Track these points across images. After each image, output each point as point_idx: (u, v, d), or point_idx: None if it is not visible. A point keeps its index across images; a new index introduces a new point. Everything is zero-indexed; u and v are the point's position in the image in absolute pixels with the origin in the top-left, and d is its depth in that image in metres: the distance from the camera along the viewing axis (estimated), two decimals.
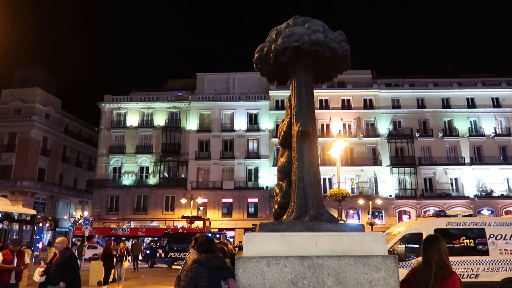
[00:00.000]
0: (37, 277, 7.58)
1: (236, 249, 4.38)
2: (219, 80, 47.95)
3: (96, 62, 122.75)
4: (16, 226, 18.80)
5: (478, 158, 41.85)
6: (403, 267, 10.43)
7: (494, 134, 42.15)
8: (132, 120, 45.16)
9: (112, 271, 15.20)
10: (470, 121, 43.09)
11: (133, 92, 48.19)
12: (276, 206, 4.56)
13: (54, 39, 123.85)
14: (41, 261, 8.39)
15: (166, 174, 43.83)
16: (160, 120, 45.13)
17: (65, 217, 47.09)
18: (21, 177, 41.78)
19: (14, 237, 15.13)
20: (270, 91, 44.47)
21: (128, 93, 48.29)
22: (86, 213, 48.02)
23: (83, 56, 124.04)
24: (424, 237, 11.70)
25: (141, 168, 44.06)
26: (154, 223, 38.84)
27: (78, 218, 40.64)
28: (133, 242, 26.58)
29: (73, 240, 30.09)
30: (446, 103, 44.06)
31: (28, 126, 43.43)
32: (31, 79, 48.15)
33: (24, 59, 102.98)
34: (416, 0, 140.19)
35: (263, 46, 4.62)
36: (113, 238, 27.71)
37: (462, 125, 42.76)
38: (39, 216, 24.28)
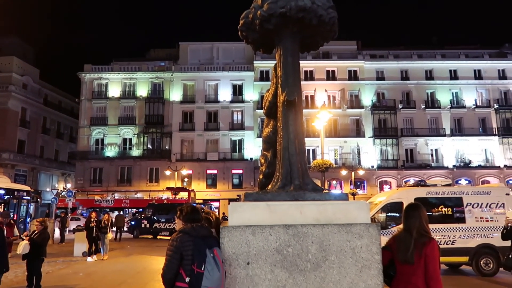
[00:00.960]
0: (20, 249, 7.78)
1: (222, 220, 4.40)
2: (203, 50, 47.01)
3: (76, 30, 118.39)
4: (15, 201, 20.44)
5: (458, 130, 42.77)
6: (384, 234, 10.73)
7: (475, 106, 42.94)
8: (114, 91, 44.20)
9: (99, 242, 15.28)
10: (452, 93, 43.71)
11: (114, 62, 46.92)
12: (261, 176, 4.56)
13: (30, 5, 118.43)
14: (22, 236, 8.46)
15: (150, 146, 43.51)
16: (142, 91, 44.29)
17: (48, 189, 46.60)
18: (0, 149, 40.83)
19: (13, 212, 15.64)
20: (254, 62, 43.93)
21: (109, 62, 46.99)
22: (69, 185, 47.62)
23: (61, 24, 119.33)
24: (404, 206, 11.99)
25: (124, 140, 43.58)
26: (139, 195, 38.85)
27: (61, 190, 40.26)
28: (117, 214, 27.08)
29: (57, 212, 29.91)
30: (429, 75, 44.44)
31: (5, 96, 42.04)
32: (7, 48, 46.21)
33: None
34: None
35: (248, 12, 4.47)
36: (97, 209, 27.68)
37: (444, 97, 43.36)
38: (32, 191, 25.54)
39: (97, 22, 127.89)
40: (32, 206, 25.40)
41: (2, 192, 20.95)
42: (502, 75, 44.22)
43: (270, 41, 4.63)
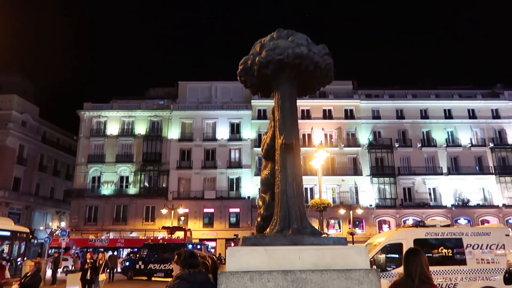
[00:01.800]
0: None
1: (219, 262, 4.30)
2: (201, 89, 47.87)
3: (76, 68, 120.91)
4: (16, 242, 23.72)
5: (455, 168, 42.88)
6: (384, 277, 10.52)
7: (470, 145, 43.32)
8: (112, 129, 44.49)
9: (92, 285, 14.82)
10: (448, 132, 44.22)
11: (114, 100, 47.54)
12: (259, 219, 4.54)
13: (32, 45, 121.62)
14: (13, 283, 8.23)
15: (146, 184, 43.22)
16: (141, 128, 44.61)
17: (41, 228, 45.69)
18: None
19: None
20: (252, 101, 44.64)
21: (108, 101, 47.61)
22: (63, 224, 46.78)
23: (62, 62, 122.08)
24: (404, 247, 11.88)
25: (121, 178, 43.34)
26: (134, 234, 38.09)
27: (54, 229, 39.48)
28: (110, 255, 26.44)
29: (49, 251, 29.19)
30: (424, 114, 45.13)
31: (4, 134, 42.19)
32: (8, 85, 46.93)
33: (1, 64, 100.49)
34: (396, 15, 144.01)
35: (247, 58, 4.63)
36: (91, 249, 27.07)
37: (439, 136, 43.83)
38: (25, 230, 26.53)
39: (99, 60, 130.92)
40: (23, 246, 25.21)
41: (7, 234, 22.83)
42: (496, 115, 44.99)
43: (268, 86, 4.78)
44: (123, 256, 33.54)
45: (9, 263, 20.66)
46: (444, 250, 11.47)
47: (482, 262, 11.24)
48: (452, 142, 43.82)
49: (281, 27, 4.71)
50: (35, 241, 29.53)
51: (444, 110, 45.17)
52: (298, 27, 4.71)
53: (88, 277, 14.55)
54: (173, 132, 44.29)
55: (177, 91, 48.24)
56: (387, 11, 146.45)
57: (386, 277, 10.74)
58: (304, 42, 4.43)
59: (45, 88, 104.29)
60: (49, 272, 22.96)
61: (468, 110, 45.14)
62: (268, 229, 4.14)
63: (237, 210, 41.93)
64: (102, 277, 14.47)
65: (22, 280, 7.97)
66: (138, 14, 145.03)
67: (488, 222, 39.48)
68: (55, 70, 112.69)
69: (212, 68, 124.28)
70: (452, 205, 41.17)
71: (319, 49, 4.52)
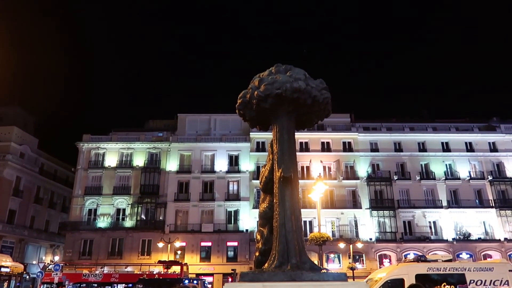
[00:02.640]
0: None
1: None
2: (200, 121, 48.21)
3: (76, 101, 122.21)
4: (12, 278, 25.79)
5: (455, 201, 42.59)
6: None
7: (469, 178, 43.23)
8: (111, 160, 44.40)
9: None
10: (446, 165, 44.24)
11: (113, 132, 47.72)
12: (257, 254, 4.46)
13: (33, 77, 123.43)
14: None
15: (143, 217, 42.64)
16: (139, 160, 44.54)
17: (34, 262, 44.49)
18: None
19: None
20: (251, 133, 44.87)
21: (107, 132, 47.78)
22: (57, 258, 45.69)
23: (62, 95, 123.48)
24: (405, 283, 11.64)
25: (118, 210, 42.80)
26: (129, 268, 37.12)
27: (48, 263, 38.49)
28: None
29: (41, 287, 28.32)
30: (422, 147, 45.32)
31: (2, 165, 42.01)
32: (8, 117, 47.23)
33: (2, 96, 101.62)
34: (391, 49, 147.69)
35: (245, 92, 4.71)
36: (84, 284, 26.33)
37: (438, 169, 43.81)
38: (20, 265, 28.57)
39: (98, 93, 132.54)
40: (14, 282, 25.28)
41: (7, 270, 25.27)
42: (493, 148, 45.19)
43: (266, 119, 4.83)
44: None
45: None
46: (447, 287, 11.21)
47: None
48: (451, 175, 43.76)
49: (279, 62, 4.81)
50: (27, 277, 29.86)
51: (442, 143, 45.41)
52: (296, 62, 4.82)
53: None
54: (171, 164, 44.21)
55: (176, 123, 48.55)
56: (383, 45, 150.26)
57: None
58: (302, 77, 4.51)
59: (45, 120, 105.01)
60: None
61: (466, 143, 45.38)
62: (266, 264, 4.06)
63: (235, 243, 41.18)
64: None
65: None
66: (138, 47, 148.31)
67: (490, 256, 38.76)
68: (55, 103, 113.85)
69: (211, 101, 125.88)
70: (453, 239, 40.56)
71: (316, 83, 4.60)
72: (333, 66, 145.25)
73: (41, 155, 49.83)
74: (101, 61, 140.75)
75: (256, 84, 4.51)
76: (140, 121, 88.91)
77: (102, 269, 35.97)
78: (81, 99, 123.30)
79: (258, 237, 4.45)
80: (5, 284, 24.54)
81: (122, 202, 42.87)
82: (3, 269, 24.93)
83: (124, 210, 42.80)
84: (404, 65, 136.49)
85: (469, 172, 43.64)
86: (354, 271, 33.17)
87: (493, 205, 41.87)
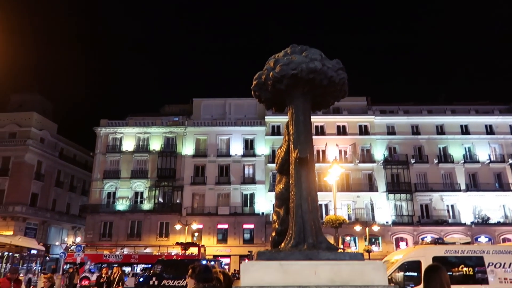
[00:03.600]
0: None
1: (234, 278, 4.24)
2: (215, 106, 48.29)
3: (93, 86, 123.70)
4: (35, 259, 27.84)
5: (474, 185, 41.91)
6: None
7: (489, 161, 42.38)
8: (128, 145, 45.07)
9: None
10: (465, 148, 43.39)
11: (130, 117, 48.28)
12: (273, 234, 4.50)
13: (51, 64, 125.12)
14: None
15: (161, 199, 43.40)
16: (156, 145, 45.07)
17: (57, 243, 46.06)
18: (13, 202, 41.14)
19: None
20: (266, 117, 44.77)
21: (124, 117, 48.36)
22: (78, 239, 47.10)
23: (80, 80, 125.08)
24: (422, 265, 11.59)
25: (136, 193, 43.65)
26: (148, 250, 38.08)
27: (70, 244, 39.74)
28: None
29: (65, 267, 29.34)
30: (440, 130, 44.48)
31: (23, 150, 43.15)
32: (28, 103, 48.23)
33: (21, 83, 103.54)
34: (409, 31, 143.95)
35: (261, 73, 4.68)
36: (105, 265, 27.07)
37: (456, 152, 43.03)
38: (43, 248, 30.50)
39: (116, 79, 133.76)
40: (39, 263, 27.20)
41: (34, 252, 27.53)
42: None
43: (282, 100, 4.80)
44: (137, 271, 33.46)
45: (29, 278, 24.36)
46: (465, 269, 11.12)
47: (505, 282, 10.84)
48: (469, 158, 42.94)
49: (295, 43, 4.75)
50: (48, 258, 32.98)
51: (461, 126, 44.46)
52: (311, 44, 4.75)
53: None
54: (187, 148, 44.61)
55: (192, 108, 48.76)
56: (402, 27, 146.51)
57: None
58: (318, 57, 4.45)
59: (64, 105, 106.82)
60: None
61: (486, 126, 44.32)
62: (283, 244, 4.10)
63: (251, 226, 41.65)
64: None
65: None
66: (154, 33, 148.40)
67: (510, 240, 38.22)
68: (73, 88, 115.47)
69: (227, 85, 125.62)
70: (471, 223, 40.09)
71: (333, 63, 4.54)
72: (350, 49, 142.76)
73: (60, 140, 50.93)
74: (118, 48, 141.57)
75: (272, 65, 4.47)
76: (156, 106, 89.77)
77: (122, 250, 37.01)
78: (98, 85, 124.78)
79: (275, 217, 4.48)
80: (33, 264, 27.11)
81: (140, 185, 43.66)
82: (32, 251, 27.34)
83: (142, 193, 43.60)
84: (422, 47, 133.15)
85: (489, 155, 42.74)
86: (370, 253, 33.24)
87: None
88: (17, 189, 41.90)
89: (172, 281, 25.91)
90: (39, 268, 28.39)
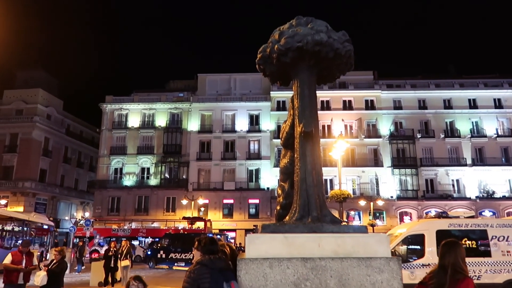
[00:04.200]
0: (38, 281, 7.82)
1: (240, 251, 4.34)
2: (220, 81, 47.95)
3: (98, 63, 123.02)
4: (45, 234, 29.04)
5: (480, 159, 41.76)
6: (405, 268, 10.40)
7: (496, 135, 42.05)
8: (134, 121, 45.19)
9: (117, 272, 15.16)
10: (472, 122, 43.00)
11: (135, 93, 48.22)
12: (278, 207, 4.54)
13: (57, 41, 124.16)
14: (41, 265, 8.48)
15: (167, 175, 43.84)
16: (161, 121, 45.15)
17: (66, 218, 47.11)
18: (22, 177, 41.81)
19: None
20: (271, 92, 44.47)
21: (129, 94, 48.33)
22: (87, 214, 48.04)
23: (85, 57, 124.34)
24: (426, 238, 11.69)
25: (142, 169, 44.08)
26: (155, 224, 38.82)
27: (79, 219, 40.62)
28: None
29: (75, 241, 30.09)
30: (447, 104, 43.99)
31: (30, 127, 43.47)
32: (34, 80, 48.20)
33: (27, 60, 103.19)
34: (417, 3, 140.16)
35: (265, 46, 4.60)
36: (114, 238, 27.71)
37: (463, 126, 42.68)
38: (52, 224, 31.48)
39: (120, 55, 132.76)
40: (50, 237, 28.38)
41: (46, 227, 28.51)
42: None
43: (287, 74, 4.73)
44: (145, 245, 34.24)
45: (41, 251, 25.26)
46: (468, 242, 11.22)
47: (507, 255, 10.95)
48: (476, 132, 42.61)
49: (300, 15, 4.65)
50: (56, 233, 34.72)
51: (469, 100, 43.90)
52: (317, 15, 4.64)
53: (111, 264, 14.91)
54: (192, 124, 44.65)
55: (197, 84, 48.49)
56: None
57: (407, 268, 10.63)
58: (323, 29, 4.36)
59: (69, 82, 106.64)
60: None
61: (494, 99, 43.73)
62: (287, 217, 4.14)
63: (257, 201, 42.11)
64: (126, 262, 14.63)
65: (49, 267, 8.25)
66: (159, 9, 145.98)
67: None
68: (78, 65, 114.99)
69: (232, 60, 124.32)
70: (476, 197, 40.19)
71: (339, 35, 4.44)
72: (356, 22, 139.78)
73: (67, 116, 51.16)
74: (122, 23, 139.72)
75: (277, 37, 4.38)
76: (161, 82, 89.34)
77: (130, 225, 37.77)
78: (103, 62, 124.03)
79: (279, 191, 4.50)
80: (45, 238, 28.47)
81: (146, 161, 44.03)
82: (44, 226, 28.43)
83: (148, 169, 44.03)
84: (429, 18, 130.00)
85: (496, 129, 42.37)
86: (374, 227, 33.63)
87: None
88: (26, 165, 42.49)
89: (179, 254, 26.48)
90: (50, 242, 29.22)
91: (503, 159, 41.69)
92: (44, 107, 46.47)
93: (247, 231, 39.35)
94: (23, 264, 8.35)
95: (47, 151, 45.63)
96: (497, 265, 10.84)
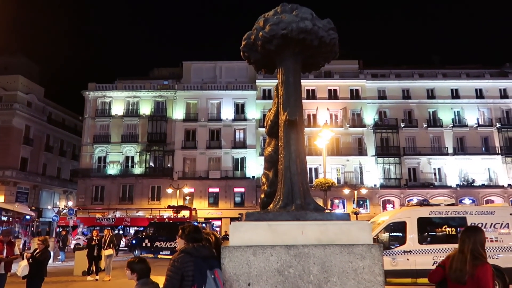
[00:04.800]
0: (19, 271, 7.73)
1: (223, 240, 4.35)
2: (206, 69, 47.53)
3: (80, 49, 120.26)
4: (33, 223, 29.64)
5: (461, 149, 42.67)
6: (386, 255, 10.61)
7: (477, 125, 42.95)
8: (117, 109, 44.54)
9: (101, 261, 15.08)
10: (454, 112, 43.80)
11: (118, 81, 47.42)
12: (262, 196, 4.55)
13: (36, 25, 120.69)
14: (24, 254, 8.36)
15: (152, 164, 43.52)
16: (146, 109, 44.61)
17: (49, 207, 46.42)
18: (3, 166, 40.89)
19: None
20: (257, 81, 44.32)
21: (113, 81, 47.49)
22: (70, 203, 47.46)
23: (66, 43, 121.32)
24: (407, 225, 11.88)
25: (127, 158, 43.64)
26: (140, 213, 38.63)
27: (62, 208, 40.08)
28: (115, 233, 27.10)
29: (57, 230, 29.75)
30: (431, 94, 44.65)
31: (10, 114, 42.40)
32: (13, 66, 46.87)
33: (5, 45, 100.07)
34: None
35: (250, 33, 4.55)
36: (98, 228, 27.48)
37: (446, 116, 43.45)
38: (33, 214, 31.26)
39: (102, 41, 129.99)
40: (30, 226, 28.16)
41: (29, 217, 28.72)
42: (504, 95, 44.40)
43: (271, 62, 4.70)
44: (129, 235, 34.08)
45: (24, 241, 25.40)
46: (448, 229, 11.49)
47: (486, 241, 11.26)
48: (458, 122, 43.46)
49: (285, 1, 4.60)
50: (37, 223, 34.62)
51: (451, 90, 44.64)
52: (302, 2, 4.60)
53: (95, 253, 14.81)
54: (177, 113, 44.27)
55: (182, 71, 47.96)
56: None
57: (389, 254, 10.85)
58: (308, 17, 4.32)
59: (50, 68, 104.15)
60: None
61: (476, 90, 44.57)
62: (271, 205, 4.15)
63: (242, 190, 42.24)
64: (110, 251, 14.55)
65: (33, 255, 8.17)
66: None
67: (493, 202, 39.44)
68: (59, 51, 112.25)
69: (217, 48, 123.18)
70: (457, 185, 41.16)
71: (324, 23, 4.42)
72: (342, 11, 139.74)
73: (48, 104, 50.04)
74: (104, 9, 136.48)
75: (261, 24, 4.34)
76: (145, 70, 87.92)
77: (114, 214, 37.49)
78: (85, 48, 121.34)
79: (264, 179, 4.51)
80: (28, 228, 28.85)
81: (131, 150, 43.59)
82: (27, 217, 28.61)
83: (132, 157, 43.63)
84: (414, 8, 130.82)
85: (477, 119, 43.28)
86: (358, 215, 34.15)
87: (500, 152, 41.95)
88: (6, 153, 41.53)
89: (164, 242, 26.51)
90: (31, 231, 29.12)
91: (483, 148, 42.69)
92: (24, 94, 45.32)
93: (233, 219, 39.46)
94: (4, 254, 8.23)
95: (28, 139, 44.68)
96: None
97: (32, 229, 29.67)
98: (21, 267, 7.84)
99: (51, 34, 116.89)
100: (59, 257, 22.14)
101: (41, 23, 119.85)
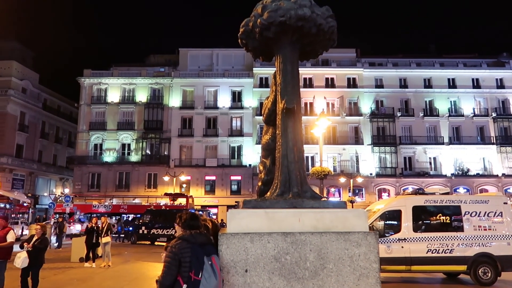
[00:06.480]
0: (18, 263, 7.71)
1: (220, 228, 4.37)
2: (202, 56, 47.18)
3: (76, 35, 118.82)
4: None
5: (457, 138, 42.88)
6: (381, 243, 10.74)
7: (473, 115, 43.09)
8: (113, 96, 44.26)
9: (99, 248, 15.16)
10: (451, 101, 43.89)
11: (114, 67, 47.02)
12: (259, 183, 4.57)
13: (31, 10, 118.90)
14: (24, 245, 8.27)
15: (148, 151, 43.47)
16: (142, 96, 44.36)
17: (45, 194, 46.41)
18: None
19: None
20: (254, 69, 44.09)
21: (108, 68, 47.08)
22: (66, 190, 47.46)
23: (61, 28, 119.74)
24: (402, 214, 12.04)
25: (123, 145, 43.54)
26: (137, 200, 38.71)
27: (58, 195, 40.09)
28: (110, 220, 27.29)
29: (54, 217, 29.82)
30: (428, 83, 44.65)
31: (4, 100, 42.02)
32: (6, 52, 46.24)
33: None
34: None
35: (248, 20, 4.50)
36: (95, 215, 27.60)
37: (442, 105, 43.53)
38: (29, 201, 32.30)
39: (98, 27, 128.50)
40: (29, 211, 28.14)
41: (26, 204, 30.47)
42: (500, 84, 44.48)
43: (269, 49, 4.67)
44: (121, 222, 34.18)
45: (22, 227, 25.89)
46: (442, 217, 11.63)
47: (479, 229, 11.42)
48: (454, 111, 43.58)
49: None
50: (31, 210, 35.05)
51: (448, 79, 44.65)
52: None
53: (93, 240, 14.88)
54: (174, 100, 44.07)
55: (178, 59, 47.59)
56: None
57: (384, 242, 10.98)
58: (307, 4, 4.28)
59: (44, 55, 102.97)
60: (54, 237, 23.57)
61: (472, 79, 44.59)
62: (268, 193, 4.17)
63: (239, 178, 42.36)
64: (107, 239, 14.62)
65: (34, 243, 8.17)
66: None
67: (487, 191, 39.83)
68: (54, 37, 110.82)
69: (214, 35, 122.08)
70: (452, 174, 41.47)
71: (322, 11, 4.38)
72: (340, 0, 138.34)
73: (43, 90, 49.60)
74: None
75: (259, 11, 4.29)
76: (141, 56, 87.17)
77: (111, 201, 37.56)
78: (81, 34, 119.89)
79: (261, 167, 4.52)
80: (26, 215, 29.93)
81: (127, 137, 43.46)
82: (25, 204, 29.47)
83: (129, 145, 43.53)
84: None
85: (473, 109, 43.39)
86: (354, 204, 34.43)
87: (495, 141, 42.19)
88: (1, 140, 41.29)
89: (161, 230, 26.65)
90: (28, 218, 29.49)
91: (479, 138, 42.91)
92: (19, 80, 44.86)
93: (229, 207, 39.43)
94: None
95: (23, 126, 44.39)
96: (469, 239, 11.31)
97: (27, 216, 29.86)
98: (20, 259, 7.83)
99: (45, 20, 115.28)
100: (56, 244, 22.24)
101: (36, 8, 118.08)
